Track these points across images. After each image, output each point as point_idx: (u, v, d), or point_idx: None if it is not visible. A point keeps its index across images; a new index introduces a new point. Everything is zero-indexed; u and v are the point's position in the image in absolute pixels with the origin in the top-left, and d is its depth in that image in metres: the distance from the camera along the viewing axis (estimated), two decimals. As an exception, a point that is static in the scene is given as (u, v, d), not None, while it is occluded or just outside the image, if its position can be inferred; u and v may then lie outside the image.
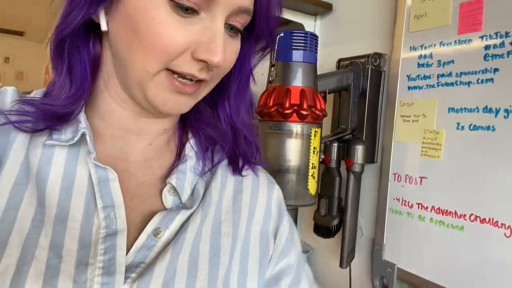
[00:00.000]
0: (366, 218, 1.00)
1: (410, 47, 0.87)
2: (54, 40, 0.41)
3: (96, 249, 0.38)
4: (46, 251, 0.37)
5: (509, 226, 0.68)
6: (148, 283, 0.38)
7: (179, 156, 0.49)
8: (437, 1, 0.82)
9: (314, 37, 0.85)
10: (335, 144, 1.00)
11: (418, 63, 0.85)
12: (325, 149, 1.01)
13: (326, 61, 1.10)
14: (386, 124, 0.93)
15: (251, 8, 0.41)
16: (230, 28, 0.41)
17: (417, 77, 0.86)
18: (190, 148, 0.50)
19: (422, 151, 0.84)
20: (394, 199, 0.89)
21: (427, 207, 0.82)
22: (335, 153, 1.00)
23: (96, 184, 0.41)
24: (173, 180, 0.45)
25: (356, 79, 0.97)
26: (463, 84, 0.76)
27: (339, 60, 1.04)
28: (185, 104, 0.42)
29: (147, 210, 0.44)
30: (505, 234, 0.69)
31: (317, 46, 0.86)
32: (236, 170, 0.52)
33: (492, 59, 0.72)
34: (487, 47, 0.73)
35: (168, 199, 0.45)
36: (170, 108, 0.41)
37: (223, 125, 0.50)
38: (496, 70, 0.71)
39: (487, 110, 0.72)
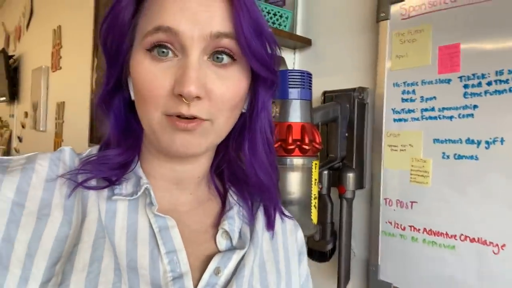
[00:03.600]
0: (358, 240, 1.06)
1: (393, 84, 0.96)
2: (99, 103, 0.48)
3: None
4: None
5: (496, 244, 0.78)
6: None
7: (224, 203, 0.55)
8: (417, 43, 0.92)
9: (309, 75, 0.90)
10: (326, 172, 1.06)
11: (402, 98, 0.94)
12: (317, 177, 1.06)
13: (310, 93, 1.16)
14: (374, 153, 1.01)
15: (226, 30, 0.42)
16: (216, 58, 0.42)
17: (402, 111, 0.94)
18: (232, 196, 0.55)
19: (411, 177, 0.92)
20: (386, 222, 0.97)
21: (419, 229, 0.90)
22: (326, 181, 1.06)
23: (158, 233, 0.45)
24: (225, 225, 0.50)
25: (343, 111, 1.05)
26: (445, 118, 0.86)
27: (324, 93, 1.11)
28: (193, 142, 0.43)
29: (203, 254, 0.48)
30: (493, 251, 0.78)
31: (311, 84, 0.92)
32: (269, 226, 0.56)
33: (471, 97, 0.82)
34: (465, 86, 0.83)
35: (222, 243, 0.49)
36: (180, 147, 0.43)
37: (247, 171, 0.53)
38: (475, 106, 0.81)
39: (469, 141, 0.82)
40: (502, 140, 0.78)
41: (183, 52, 0.41)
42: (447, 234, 0.85)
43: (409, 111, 0.93)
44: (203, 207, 0.53)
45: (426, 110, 0.90)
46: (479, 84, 0.81)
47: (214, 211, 0.54)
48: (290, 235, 0.59)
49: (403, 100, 0.94)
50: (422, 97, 0.90)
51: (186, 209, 0.51)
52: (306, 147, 0.87)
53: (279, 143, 0.88)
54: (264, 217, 0.56)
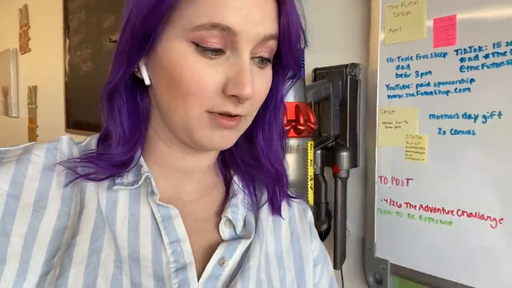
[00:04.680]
0: (353, 219, 1.06)
1: (387, 59, 0.93)
2: (104, 95, 0.45)
3: (171, 283, 0.41)
4: None
5: (494, 218, 0.78)
6: None
7: (228, 191, 0.53)
8: (411, 16, 0.89)
9: (301, 52, 0.87)
10: (319, 152, 1.04)
11: (396, 73, 0.92)
12: (310, 157, 1.04)
13: (299, 71, 1.12)
14: (368, 130, 0.99)
15: (275, 32, 0.42)
16: (260, 60, 0.43)
17: (396, 87, 0.92)
18: (236, 183, 0.54)
19: (406, 154, 0.91)
20: (382, 200, 0.96)
21: (415, 206, 0.90)
22: (320, 161, 1.04)
23: (161, 222, 0.44)
24: (228, 213, 0.49)
25: (335, 89, 1.02)
26: (441, 93, 0.85)
27: (315, 70, 1.07)
28: (230, 138, 0.44)
29: (206, 244, 0.47)
30: (491, 225, 0.78)
31: (303, 61, 0.88)
32: (275, 211, 0.54)
33: (468, 71, 0.80)
34: (462, 60, 0.81)
35: (225, 232, 0.49)
36: (217, 143, 0.44)
37: (262, 160, 0.53)
38: (472, 80, 0.80)
39: (466, 116, 0.81)
40: (499, 114, 0.76)
41: (233, 51, 0.40)
42: (443, 209, 0.85)
43: (404, 86, 0.91)
44: (208, 194, 0.52)
45: (421, 85, 0.88)
46: (476, 57, 0.79)
47: (219, 198, 0.53)
48: (300, 220, 0.58)
49: (397, 75, 0.92)
50: (417, 71, 0.88)
51: (191, 197, 0.50)
52: (301, 127, 0.84)
53: (273, 124, 0.84)
54: (269, 204, 0.54)
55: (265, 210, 0.54)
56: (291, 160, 0.86)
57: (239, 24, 0.38)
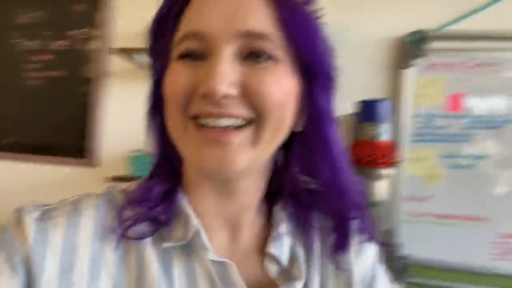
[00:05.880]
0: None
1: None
2: (147, 124, 0.46)
3: None
4: None
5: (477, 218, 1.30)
6: None
7: (269, 221, 0.49)
8: (432, 90, 1.35)
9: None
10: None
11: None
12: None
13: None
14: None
15: (264, 28, 0.37)
16: (254, 56, 0.38)
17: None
18: (278, 211, 0.48)
19: (426, 180, 1.35)
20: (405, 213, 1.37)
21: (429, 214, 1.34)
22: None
23: (219, 281, 0.41)
24: (271, 248, 0.45)
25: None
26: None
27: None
28: (226, 156, 0.37)
29: (256, 281, 0.45)
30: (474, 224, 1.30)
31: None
32: (341, 248, 0.47)
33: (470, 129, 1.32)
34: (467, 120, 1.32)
35: (272, 268, 0.45)
36: (210, 162, 0.37)
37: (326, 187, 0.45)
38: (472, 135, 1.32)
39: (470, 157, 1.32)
40: (487, 157, 1.31)
41: (212, 54, 0.37)
42: (452, 215, 1.33)
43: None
44: (261, 232, 0.48)
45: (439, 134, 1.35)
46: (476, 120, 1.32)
47: (258, 230, 0.48)
48: (356, 263, 0.49)
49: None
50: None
51: (243, 245, 0.46)
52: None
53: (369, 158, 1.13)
54: (331, 238, 0.47)
55: (318, 243, 0.48)
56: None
57: (209, 25, 0.37)
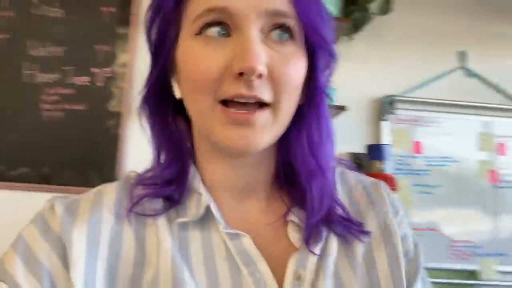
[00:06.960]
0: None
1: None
2: (140, 109, 0.47)
3: None
4: None
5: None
6: None
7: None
8: (403, 137, 1.87)
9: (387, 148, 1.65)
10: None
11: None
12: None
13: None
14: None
15: (285, 9, 0.38)
16: (277, 34, 0.39)
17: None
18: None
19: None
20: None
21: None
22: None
23: (234, 251, 0.42)
24: (292, 216, 0.46)
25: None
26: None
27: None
28: (251, 136, 0.39)
29: (279, 251, 0.45)
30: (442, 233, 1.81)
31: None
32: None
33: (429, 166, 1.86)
34: (426, 160, 1.86)
35: (294, 236, 0.45)
36: (237, 142, 0.39)
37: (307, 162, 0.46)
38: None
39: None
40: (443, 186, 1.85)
41: (238, 31, 0.37)
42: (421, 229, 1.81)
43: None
44: (272, 206, 0.48)
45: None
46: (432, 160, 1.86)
47: (282, 210, 0.47)
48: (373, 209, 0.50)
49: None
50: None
51: (256, 217, 0.47)
52: (396, 187, 1.59)
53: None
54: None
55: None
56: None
57: (236, 2, 0.37)
